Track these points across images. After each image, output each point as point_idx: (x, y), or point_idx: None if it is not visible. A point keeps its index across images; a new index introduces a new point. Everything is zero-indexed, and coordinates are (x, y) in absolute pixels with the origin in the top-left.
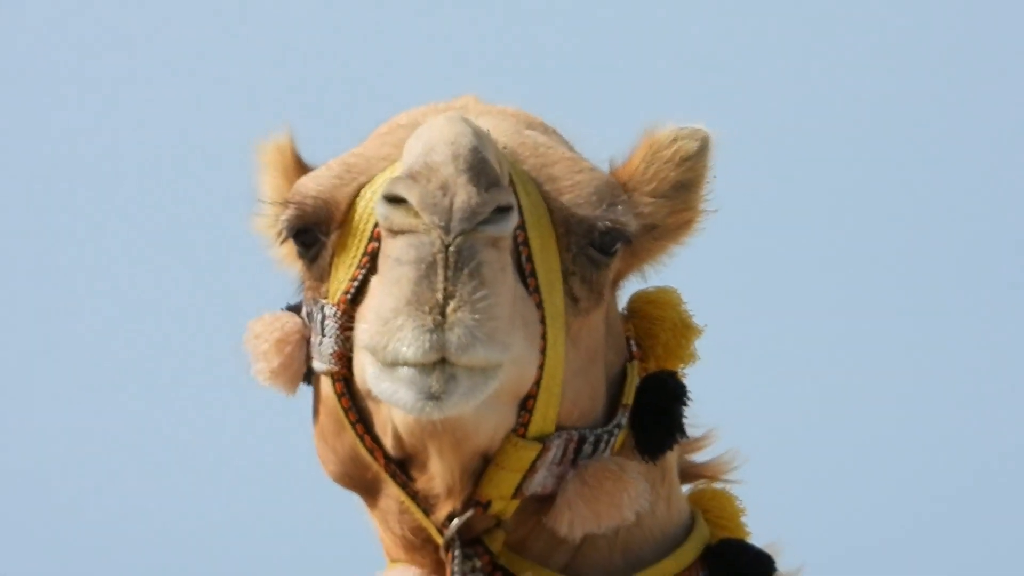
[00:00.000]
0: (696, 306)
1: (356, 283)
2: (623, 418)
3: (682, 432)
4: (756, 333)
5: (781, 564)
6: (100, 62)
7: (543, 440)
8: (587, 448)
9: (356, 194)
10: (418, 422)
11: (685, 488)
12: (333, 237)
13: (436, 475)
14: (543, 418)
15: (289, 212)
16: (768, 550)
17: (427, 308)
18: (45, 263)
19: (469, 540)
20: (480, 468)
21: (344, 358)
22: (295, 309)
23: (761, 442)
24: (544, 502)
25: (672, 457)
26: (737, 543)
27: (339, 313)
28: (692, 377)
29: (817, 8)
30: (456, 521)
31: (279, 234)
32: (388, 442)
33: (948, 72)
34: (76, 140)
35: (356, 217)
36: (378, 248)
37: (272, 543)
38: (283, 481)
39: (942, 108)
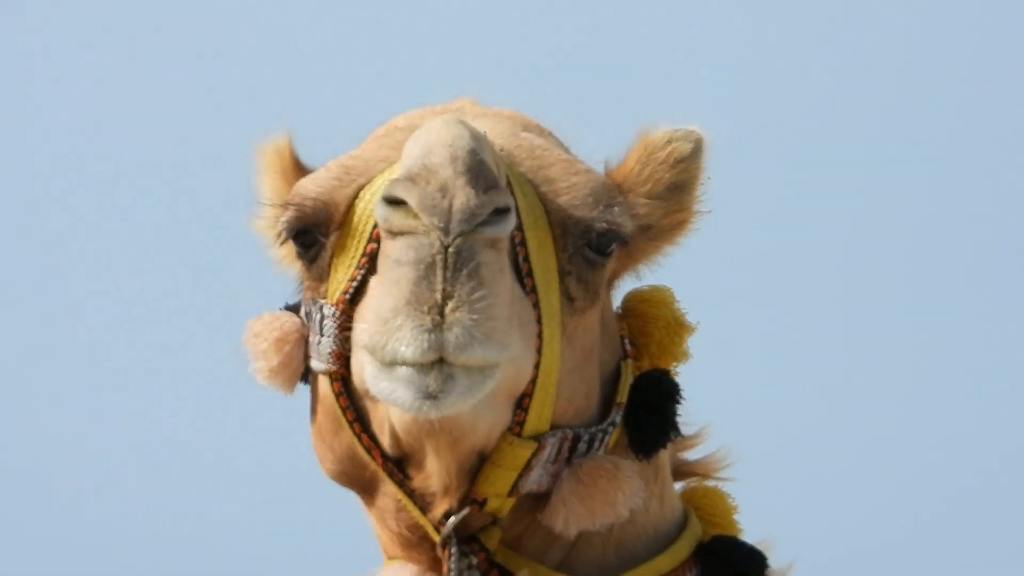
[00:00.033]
0: (689, 304)
1: (355, 283)
2: (617, 416)
3: (676, 430)
4: (749, 331)
5: (773, 561)
6: (100, 62)
7: (539, 438)
8: (582, 446)
9: (355, 196)
10: (416, 421)
11: (678, 486)
12: (332, 238)
13: (433, 473)
14: (539, 417)
15: (289, 213)
16: (760, 547)
17: (426, 308)
18: (45, 263)
19: (465, 537)
20: (476, 466)
21: (342, 357)
22: (294, 309)
23: (757, 440)
24: (539, 500)
25: (665, 455)
26: (729, 540)
27: (338, 313)
28: (685, 375)
29: (817, 8)
30: (453, 519)
31: (279, 235)
32: (385, 441)
33: (948, 72)
34: (76, 140)
35: (355, 218)
36: (377, 249)
37: (271, 541)
38: (281, 479)
39: (942, 108)
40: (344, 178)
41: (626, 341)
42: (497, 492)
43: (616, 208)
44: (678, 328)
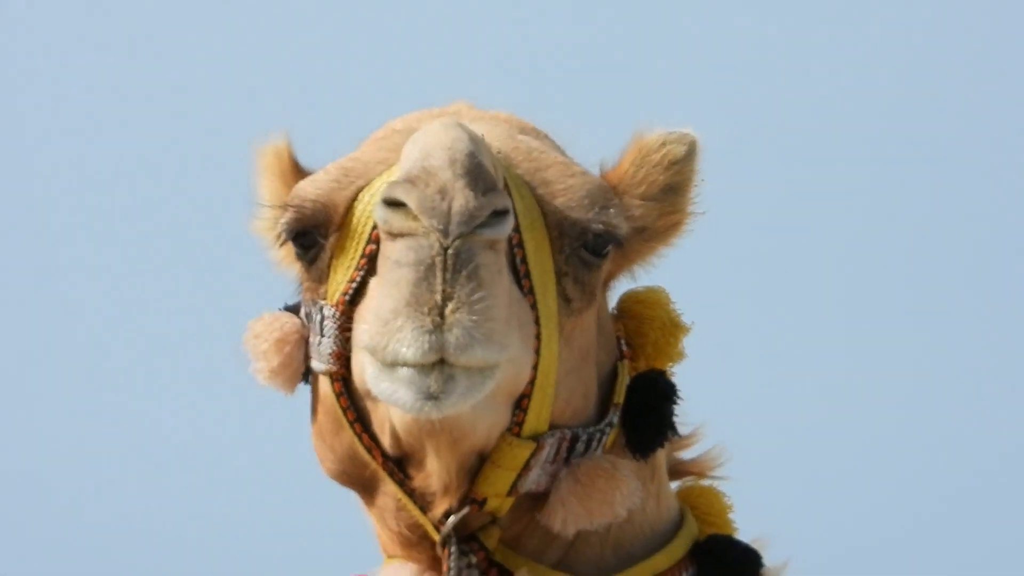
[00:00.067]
0: (683, 305)
1: (354, 284)
2: (614, 417)
3: (672, 430)
4: (744, 331)
5: (768, 559)
6: (99, 62)
7: (537, 439)
8: (580, 446)
9: (354, 198)
10: (416, 421)
11: (674, 485)
12: (331, 239)
13: (433, 473)
14: (537, 417)
15: (288, 215)
16: (755, 545)
17: (426, 309)
18: (45, 263)
19: (465, 537)
20: (476, 466)
21: (343, 358)
22: (294, 310)
23: (755, 440)
24: (538, 499)
25: (662, 455)
26: (724, 539)
27: (338, 314)
28: (681, 375)
29: (816, 8)
30: (452, 518)
31: (278, 237)
32: (386, 441)
33: (948, 72)
34: (76, 141)
35: (354, 220)
36: (376, 250)
37: (271, 541)
38: (281, 479)
39: (942, 108)
40: (343, 180)
41: (622, 342)
42: (496, 492)
43: (611, 210)
44: (673, 328)
